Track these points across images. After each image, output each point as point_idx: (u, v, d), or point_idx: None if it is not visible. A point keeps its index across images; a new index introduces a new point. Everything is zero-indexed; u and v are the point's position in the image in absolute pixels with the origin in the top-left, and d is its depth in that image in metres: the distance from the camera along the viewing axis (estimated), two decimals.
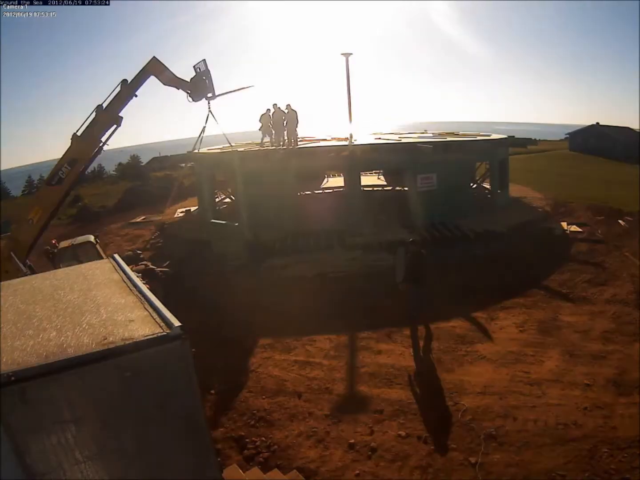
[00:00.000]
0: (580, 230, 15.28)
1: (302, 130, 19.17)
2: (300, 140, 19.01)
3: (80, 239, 12.60)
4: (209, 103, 12.52)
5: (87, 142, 11.04)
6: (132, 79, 11.44)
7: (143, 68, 11.48)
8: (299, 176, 17.95)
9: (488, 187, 20.49)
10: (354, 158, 16.44)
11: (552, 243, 14.23)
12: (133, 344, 3.36)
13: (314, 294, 11.09)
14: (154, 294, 4.23)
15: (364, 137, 21.52)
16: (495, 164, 18.98)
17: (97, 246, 12.59)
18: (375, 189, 23.70)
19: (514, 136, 20.98)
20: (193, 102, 12.37)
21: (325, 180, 25.67)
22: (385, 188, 23.62)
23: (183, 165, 22.52)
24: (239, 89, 14.03)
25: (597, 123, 45.49)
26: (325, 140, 21.68)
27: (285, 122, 17.13)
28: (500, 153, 19.47)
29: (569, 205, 18.76)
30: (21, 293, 4.80)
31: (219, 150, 19.40)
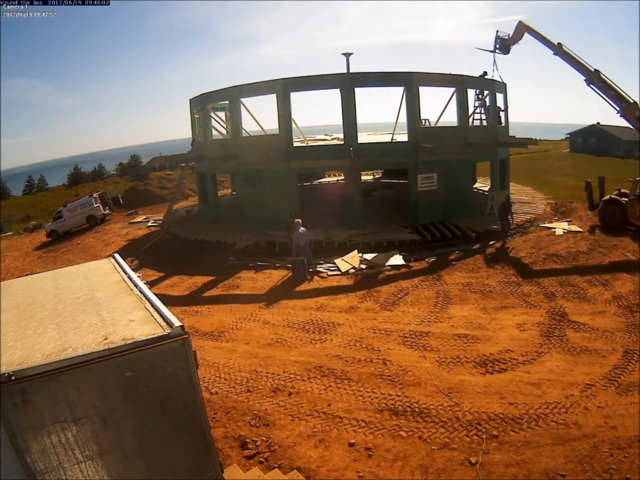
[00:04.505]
0: (580, 230, 15.28)
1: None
2: (301, 141, 19.11)
3: None
4: None
5: None
6: None
7: None
8: (300, 175, 18.03)
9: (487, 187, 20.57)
10: (355, 158, 16.44)
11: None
12: (133, 343, 3.36)
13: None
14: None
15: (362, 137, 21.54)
16: (496, 164, 18.99)
17: None
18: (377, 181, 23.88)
19: (514, 136, 20.99)
20: None
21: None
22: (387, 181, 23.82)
23: (183, 165, 22.55)
24: None
25: (598, 123, 45.51)
26: (325, 140, 21.68)
27: None
28: (501, 153, 19.51)
29: (569, 205, 18.76)
30: (22, 293, 4.80)
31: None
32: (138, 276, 4.98)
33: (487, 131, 18.92)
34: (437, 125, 20.60)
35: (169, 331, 3.47)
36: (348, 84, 16.18)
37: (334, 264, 13.28)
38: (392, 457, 5.71)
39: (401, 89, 16.86)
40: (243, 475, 5.50)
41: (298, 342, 9.00)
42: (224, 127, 21.52)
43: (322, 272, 12.95)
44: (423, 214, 16.64)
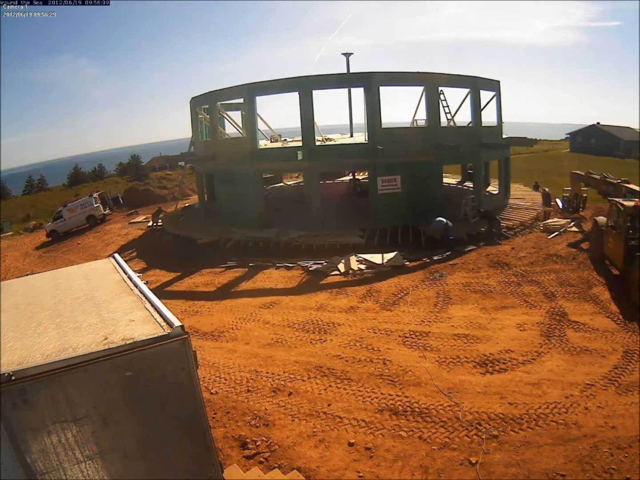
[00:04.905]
0: (577, 230, 15.27)
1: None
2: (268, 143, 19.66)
3: None
4: None
5: None
6: None
7: None
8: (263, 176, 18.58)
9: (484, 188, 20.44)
10: (312, 159, 16.34)
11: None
12: (133, 343, 3.35)
13: None
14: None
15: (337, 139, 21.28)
16: (480, 166, 18.50)
17: None
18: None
19: (513, 137, 20.95)
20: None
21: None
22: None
23: (183, 165, 22.71)
24: None
25: (598, 123, 45.56)
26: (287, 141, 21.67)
27: None
28: (500, 154, 19.43)
29: None
30: (22, 293, 4.80)
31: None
32: (138, 276, 4.99)
33: (465, 132, 18.25)
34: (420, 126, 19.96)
35: (169, 331, 3.46)
36: (306, 86, 16.27)
37: (334, 264, 13.29)
38: (392, 457, 5.71)
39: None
40: (243, 475, 5.50)
41: (298, 342, 9.00)
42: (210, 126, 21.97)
43: (322, 271, 12.96)
44: (383, 217, 15.96)
